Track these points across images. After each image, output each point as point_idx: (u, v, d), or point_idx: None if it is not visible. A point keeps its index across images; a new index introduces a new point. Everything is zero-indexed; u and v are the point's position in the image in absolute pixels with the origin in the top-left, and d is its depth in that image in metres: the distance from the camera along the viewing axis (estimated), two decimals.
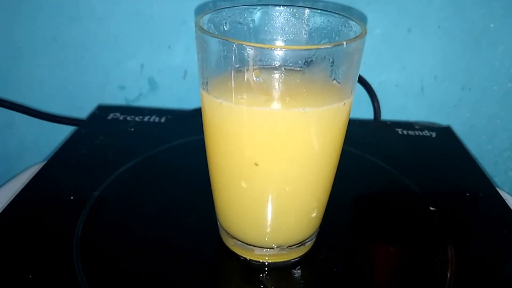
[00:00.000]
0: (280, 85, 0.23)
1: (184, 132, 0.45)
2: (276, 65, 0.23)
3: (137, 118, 0.48)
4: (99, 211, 0.34)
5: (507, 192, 0.42)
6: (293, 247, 0.30)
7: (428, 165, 0.42)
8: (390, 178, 0.40)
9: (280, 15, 0.30)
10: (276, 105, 0.24)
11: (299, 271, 0.30)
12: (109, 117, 0.48)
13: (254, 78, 0.23)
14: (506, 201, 0.37)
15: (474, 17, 0.53)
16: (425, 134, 0.47)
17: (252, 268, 0.30)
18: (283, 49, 0.22)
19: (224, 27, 0.29)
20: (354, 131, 0.46)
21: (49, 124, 0.54)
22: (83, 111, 0.56)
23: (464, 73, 0.57)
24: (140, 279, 0.28)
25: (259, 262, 0.30)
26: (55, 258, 0.29)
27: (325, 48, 0.22)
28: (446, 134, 0.47)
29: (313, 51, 0.23)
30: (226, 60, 0.23)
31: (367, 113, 0.56)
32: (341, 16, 0.28)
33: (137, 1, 0.52)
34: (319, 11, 0.29)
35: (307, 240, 0.30)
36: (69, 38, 0.54)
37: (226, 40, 0.22)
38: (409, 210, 0.36)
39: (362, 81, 0.55)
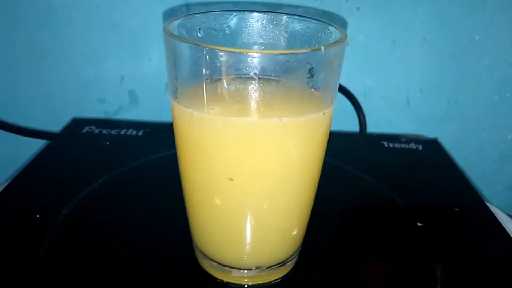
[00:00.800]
0: (255, 93, 0.22)
1: (161, 146, 0.43)
2: (251, 73, 0.21)
3: (113, 132, 0.46)
4: (66, 231, 0.32)
5: (496, 206, 0.40)
6: (273, 267, 0.28)
7: (415, 178, 0.41)
8: (376, 192, 0.38)
9: (257, 21, 0.28)
10: (251, 115, 0.22)
11: None
12: (84, 131, 0.46)
13: (226, 86, 0.21)
14: (495, 215, 0.35)
15: (459, 29, 0.53)
16: (411, 147, 0.46)
17: None
18: (258, 54, 0.20)
19: (198, 33, 0.28)
20: (339, 143, 0.45)
21: (25, 138, 0.52)
22: (61, 125, 0.54)
23: (450, 85, 0.57)
24: None
25: (237, 284, 0.28)
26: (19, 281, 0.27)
27: (302, 53, 0.21)
28: (433, 146, 0.46)
29: (290, 56, 0.21)
30: (197, 67, 0.21)
31: (353, 126, 0.55)
32: (320, 22, 0.26)
33: (117, 13, 0.51)
34: (297, 17, 0.28)
35: (288, 260, 0.29)
36: (47, 50, 0.52)
37: (196, 44, 0.21)
38: (396, 226, 0.34)
39: (347, 93, 0.54)
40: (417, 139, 0.48)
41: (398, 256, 0.31)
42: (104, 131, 0.46)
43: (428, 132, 0.59)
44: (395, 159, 0.44)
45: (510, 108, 0.59)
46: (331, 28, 0.25)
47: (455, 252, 0.32)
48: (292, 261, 0.29)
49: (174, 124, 0.25)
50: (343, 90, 0.55)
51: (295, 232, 0.27)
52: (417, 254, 0.31)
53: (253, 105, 0.22)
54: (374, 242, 0.32)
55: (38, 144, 0.52)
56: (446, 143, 0.59)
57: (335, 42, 0.22)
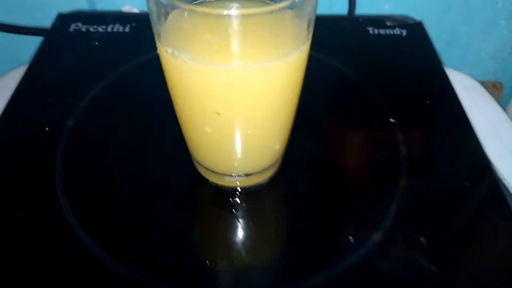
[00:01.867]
0: (233, 37, 0.23)
1: (150, 43, 0.44)
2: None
3: (100, 29, 0.46)
4: (74, 143, 0.35)
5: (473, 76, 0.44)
6: (260, 172, 0.32)
7: (393, 69, 0.43)
8: (353, 85, 0.41)
9: None
10: (230, 60, 0.24)
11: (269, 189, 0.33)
12: (71, 29, 0.46)
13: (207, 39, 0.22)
14: (464, 109, 0.39)
15: None
16: (395, 33, 0.47)
17: (224, 192, 0.33)
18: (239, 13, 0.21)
19: None
20: (322, 31, 0.45)
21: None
22: (44, 9, 0.53)
23: None
24: (120, 205, 0.31)
25: (230, 187, 0.33)
26: (40, 192, 0.32)
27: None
28: (417, 32, 0.47)
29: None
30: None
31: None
32: None
33: None
34: None
35: (273, 165, 0.33)
36: None
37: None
38: (370, 122, 0.38)
39: None
40: (402, 23, 0.48)
41: (370, 154, 0.36)
42: (91, 28, 0.46)
43: (417, 3, 0.58)
44: (377, 48, 0.45)
45: None
46: None
47: (423, 148, 0.36)
48: (277, 165, 0.33)
49: (161, 60, 0.27)
50: None
51: (277, 146, 0.31)
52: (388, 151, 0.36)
53: (233, 48, 0.23)
54: (348, 141, 0.36)
55: (23, 39, 0.53)
56: (436, 14, 0.60)
57: None
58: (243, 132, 0.28)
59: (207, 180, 0.33)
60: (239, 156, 0.30)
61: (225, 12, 0.21)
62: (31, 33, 0.50)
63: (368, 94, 0.40)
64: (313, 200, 0.32)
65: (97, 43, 0.44)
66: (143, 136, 0.36)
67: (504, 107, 0.72)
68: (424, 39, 0.46)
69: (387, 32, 0.47)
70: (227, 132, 0.28)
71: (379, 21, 0.49)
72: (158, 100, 0.38)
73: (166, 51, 0.25)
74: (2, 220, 0.30)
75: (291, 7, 0.22)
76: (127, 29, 0.46)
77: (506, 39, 0.64)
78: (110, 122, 0.38)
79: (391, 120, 0.38)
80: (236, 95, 0.25)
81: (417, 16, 0.59)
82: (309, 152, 0.35)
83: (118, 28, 0.46)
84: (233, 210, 0.32)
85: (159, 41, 0.25)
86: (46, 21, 0.53)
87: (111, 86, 0.40)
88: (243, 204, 0.32)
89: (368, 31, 0.47)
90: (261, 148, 0.30)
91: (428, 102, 0.40)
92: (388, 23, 0.48)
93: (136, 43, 0.44)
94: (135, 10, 0.55)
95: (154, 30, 0.25)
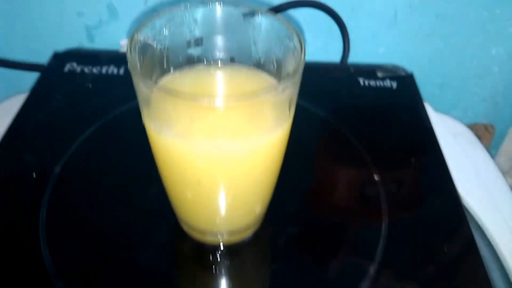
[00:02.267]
0: (216, 118, 0.23)
1: None
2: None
3: (94, 70, 0.47)
4: (60, 192, 0.36)
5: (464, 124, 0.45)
6: (242, 230, 0.33)
7: (381, 123, 0.43)
8: (340, 138, 0.41)
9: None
10: (213, 139, 0.24)
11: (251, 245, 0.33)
12: (66, 69, 0.47)
13: (191, 123, 0.23)
14: (449, 171, 0.39)
15: None
16: (385, 85, 0.47)
17: (205, 248, 0.33)
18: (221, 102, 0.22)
19: (164, 32, 0.28)
20: (314, 79, 0.46)
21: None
22: (41, 40, 0.54)
23: (440, 0, 0.55)
24: (101, 257, 0.32)
25: (213, 244, 0.33)
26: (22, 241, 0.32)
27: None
28: (407, 85, 0.48)
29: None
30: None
31: (337, 46, 0.55)
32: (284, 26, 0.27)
33: None
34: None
35: (256, 223, 0.33)
36: None
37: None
38: (355, 179, 0.38)
39: (333, 15, 0.54)
40: (393, 75, 0.49)
41: (352, 212, 0.36)
42: (86, 69, 0.47)
43: (412, 48, 0.59)
44: (366, 101, 0.46)
45: (498, 24, 0.58)
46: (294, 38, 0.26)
47: (405, 206, 0.36)
48: (259, 222, 0.34)
49: (147, 134, 0.27)
50: (328, 10, 0.54)
51: (259, 208, 0.31)
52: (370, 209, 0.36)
53: (214, 126, 0.24)
54: (332, 197, 0.37)
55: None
56: (430, 58, 0.61)
57: (292, 75, 0.23)
58: (224, 199, 0.28)
59: (189, 236, 0.33)
60: (220, 218, 0.30)
61: (207, 101, 0.21)
62: (27, 69, 0.51)
63: (354, 148, 0.40)
64: (296, 256, 0.33)
65: (90, 85, 0.45)
66: (128, 187, 0.37)
67: (495, 149, 0.73)
68: (414, 93, 0.47)
69: (378, 84, 0.48)
70: (208, 199, 0.28)
71: (370, 71, 0.49)
72: (147, 148, 0.39)
73: (150, 125, 0.25)
74: None
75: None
76: (121, 71, 0.47)
77: (499, 84, 0.64)
78: (97, 169, 0.38)
79: (375, 177, 0.38)
80: (217, 169, 0.26)
81: (411, 60, 0.60)
82: (292, 207, 0.36)
83: (112, 70, 0.47)
84: (215, 266, 0.32)
85: (143, 115, 0.25)
86: (44, 53, 0.55)
87: (101, 132, 0.41)
88: (225, 261, 0.32)
89: (358, 82, 0.48)
90: (243, 211, 0.30)
91: (412, 159, 0.40)
92: (379, 74, 0.49)
93: (128, 87, 0.45)
94: None
95: (139, 103, 0.25)
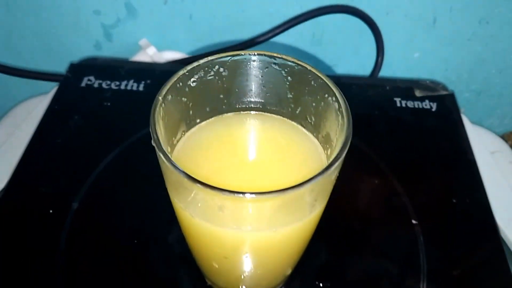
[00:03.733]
0: (245, 208, 0.21)
1: None
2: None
3: (113, 85, 0.44)
4: (77, 230, 0.34)
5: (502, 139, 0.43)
6: None
7: (419, 158, 0.40)
8: (376, 175, 0.38)
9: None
10: (242, 225, 0.22)
11: None
12: (83, 83, 0.44)
13: (220, 211, 0.20)
14: (491, 210, 0.36)
15: None
16: (424, 107, 0.44)
17: None
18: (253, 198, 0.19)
19: (190, 83, 0.25)
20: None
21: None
22: (58, 39, 0.52)
23: (484, 4, 0.51)
24: None
25: None
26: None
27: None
28: (447, 108, 0.44)
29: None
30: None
31: (369, 53, 0.51)
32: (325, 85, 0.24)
33: None
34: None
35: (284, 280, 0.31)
36: None
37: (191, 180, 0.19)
38: (389, 223, 0.36)
39: (367, 20, 0.50)
40: (432, 94, 0.45)
41: (388, 263, 0.34)
42: (104, 84, 0.44)
43: (449, 53, 0.55)
44: (403, 127, 0.42)
45: None
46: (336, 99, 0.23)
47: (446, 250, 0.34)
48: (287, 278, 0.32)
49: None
50: (362, 16, 0.50)
51: (289, 271, 0.29)
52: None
53: (244, 215, 0.21)
54: (365, 248, 0.34)
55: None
56: (468, 64, 0.56)
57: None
58: (251, 271, 0.26)
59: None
60: (247, 283, 0.28)
61: (237, 196, 0.19)
62: (44, 79, 0.49)
63: (389, 186, 0.37)
64: None
65: (109, 104, 0.42)
66: (151, 227, 0.35)
67: None
68: (455, 118, 0.43)
69: (416, 106, 0.44)
70: (235, 270, 0.26)
71: (407, 89, 0.45)
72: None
73: (175, 201, 0.23)
74: None
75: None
76: (141, 87, 0.44)
77: None
78: (116, 205, 0.36)
79: (413, 221, 0.35)
80: (246, 250, 0.23)
81: (447, 65, 0.56)
82: (321, 260, 0.34)
83: (132, 85, 0.44)
84: None
85: (168, 190, 0.23)
86: (61, 52, 0.52)
87: (120, 160, 0.38)
88: None
89: (395, 102, 0.44)
90: (271, 277, 0.28)
91: (454, 200, 0.37)
92: (417, 93, 0.45)
93: (149, 107, 0.42)
94: (152, 47, 0.52)
95: (165, 180, 0.23)
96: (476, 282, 0.33)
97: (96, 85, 0.44)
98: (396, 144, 0.41)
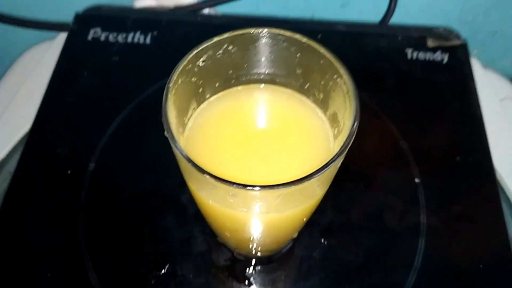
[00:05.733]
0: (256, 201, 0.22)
1: (172, 60, 0.42)
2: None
3: (119, 38, 0.43)
4: (95, 191, 0.36)
5: None
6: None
7: (426, 113, 0.40)
8: (383, 132, 0.39)
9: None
10: (253, 208, 0.23)
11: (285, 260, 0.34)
12: (90, 37, 0.44)
13: (230, 198, 0.22)
14: (494, 170, 0.37)
15: None
16: (435, 59, 0.43)
17: (239, 260, 0.34)
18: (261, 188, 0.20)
19: (199, 64, 0.25)
20: (353, 47, 0.42)
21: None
22: None
23: None
24: (137, 261, 0.33)
25: (245, 255, 0.34)
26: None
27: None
28: (459, 59, 0.43)
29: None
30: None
31: None
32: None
33: None
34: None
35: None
36: None
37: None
38: (395, 181, 0.37)
39: None
40: (445, 45, 0.44)
41: (389, 221, 0.35)
42: (111, 37, 0.44)
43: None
44: (413, 81, 0.42)
45: None
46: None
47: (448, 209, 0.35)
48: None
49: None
50: None
51: (296, 234, 0.31)
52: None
53: (254, 198, 0.22)
54: (368, 206, 0.36)
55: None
56: (485, 4, 0.54)
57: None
58: (261, 238, 0.28)
59: (223, 246, 0.34)
60: (256, 246, 0.30)
61: (249, 190, 0.20)
62: (49, 29, 0.48)
63: (394, 143, 0.38)
64: (331, 271, 0.33)
65: (117, 59, 0.42)
66: (166, 185, 0.36)
67: None
68: (466, 71, 0.42)
69: (427, 58, 0.43)
70: (245, 238, 0.28)
71: (419, 39, 0.44)
72: None
73: (189, 184, 0.24)
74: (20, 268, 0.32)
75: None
76: (148, 40, 0.44)
77: None
78: (132, 163, 0.37)
79: (416, 180, 0.37)
80: (255, 226, 0.25)
81: (463, 6, 0.54)
82: (328, 218, 0.35)
83: (139, 38, 0.44)
84: (247, 280, 0.33)
85: (184, 177, 0.24)
86: (64, 5, 0.50)
87: (132, 117, 0.39)
88: (258, 274, 0.33)
89: (406, 55, 0.43)
90: (280, 241, 0.30)
91: (457, 158, 0.38)
92: (430, 43, 0.44)
93: (157, 61, 0.42)
94: None
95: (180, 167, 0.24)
96: (472, 238, 0.35)
97: (102, 38, 0.44)
98: (405, 100, 0.41)
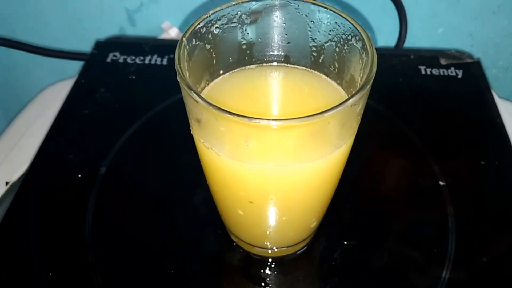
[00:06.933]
0: (271, 140, 0.21)
1: None
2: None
3: (137, 60, 0.45)
4: (105, 194, 0.34)
5: None
6: (293, 245, 0.31)
7: (446, 122, 0.39)
8: (400, 141, 0.38)
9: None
10: (267, 160, 0.22)
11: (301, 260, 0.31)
12: (109, 59, 0.45)
13: (246, 143, 0.21)
14: None
15: None
16: (450, 74, 0.43)
17: (254, 260, 0.31)
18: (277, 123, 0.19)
19: (214, 30, 0.25)
20: None
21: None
22: (82, 25, 0.53)
23: None
24: (147, 263, 0.31)
25: (261, 256, 0.31)
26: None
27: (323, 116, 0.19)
28: (474, 74, 0.43)
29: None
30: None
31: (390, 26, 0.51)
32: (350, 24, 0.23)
33: None
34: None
35: (308, 237, 0.31)
36: None
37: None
38: (416, 185, 0.35)
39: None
40: (458, 62, 0.44)
41: (414, 224, 0.33)
42: (129, 59, 0.45)
43: (474, 28, 0.54)
44: (429, 93, 0.42)
45: None
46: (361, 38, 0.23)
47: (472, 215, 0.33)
48: (311, 236, 0.31)
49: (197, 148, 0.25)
50: None
51: (314, 224, 0.29)
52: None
53: (269, 149, 0.21)
54: (391, 208, 0.34)
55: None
56: (494, 39, 0.55)
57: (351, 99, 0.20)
58: (277, 218, 0.26)
59: (237, 246, 0.32)
60: (272, 234, 0.28)
61: (263, 123, 0.19)
62: (70, 58, 0.50)
63: (416, 150, 0.37)
64: (348, 272, 0.30)
65: (133, 77, 0.43)
66: (176, 189, 0.35)
67: None
68: (483, 84, 0.42)
69: (441, 73, 0.43)
70: (260, 217, 0.26)
71: (432, 58, 0.45)
72: (195, 147, 0.37)
73: (200, 141, 0.23)
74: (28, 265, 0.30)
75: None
76: (164, 61, 0.45)
77: None
78: (143, 170, 0.37)
79: (441, 183, 0.35)
80: (272, 190, 0.23)
81: (473, 41, 0.55)
82: (346, 219, 0.33)
83: (155, 59, 0.45)
84: (263, 282, 0.30)
85: (192, 129, 0.23)
86: (86, 38, 0.53)
87: (146, 128, 0.39)
88: (274, 275, 0.30)
89: (420, 70, 0.43)
90: (296, 228, 0.28)
91: (482, 162, 0.36)
92: (442, 61, 0.44)
93: (173, 79, 0.42)
94: (175, 29, 0.53)
95: (188, 116, 0.23)
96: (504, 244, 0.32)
97: (121, 60, 0.45)
98: (423, 110, 0.41)
